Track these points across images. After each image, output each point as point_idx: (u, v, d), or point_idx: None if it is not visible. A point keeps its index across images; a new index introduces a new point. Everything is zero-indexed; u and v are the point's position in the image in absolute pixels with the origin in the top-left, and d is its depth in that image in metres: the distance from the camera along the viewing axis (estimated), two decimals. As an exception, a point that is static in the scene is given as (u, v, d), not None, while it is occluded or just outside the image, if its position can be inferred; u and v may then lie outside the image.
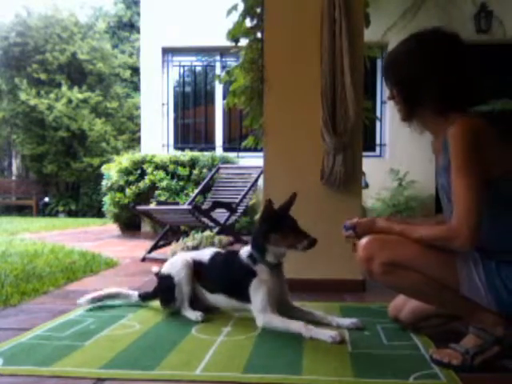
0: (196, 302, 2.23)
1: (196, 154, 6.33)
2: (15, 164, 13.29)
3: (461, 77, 1.63)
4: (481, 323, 1.58)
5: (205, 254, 2.29)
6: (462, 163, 1.50)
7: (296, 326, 1.93)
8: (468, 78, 1.64)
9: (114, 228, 6.76)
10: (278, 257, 2.08)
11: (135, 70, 12.27)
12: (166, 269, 2.29)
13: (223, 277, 2.20)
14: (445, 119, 1.63)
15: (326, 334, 1.85)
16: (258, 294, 2.03)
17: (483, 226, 1.47)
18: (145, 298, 2.39)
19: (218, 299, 2.21)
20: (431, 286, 1.59)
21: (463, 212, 1.47)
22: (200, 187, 5.21)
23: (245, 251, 2.14)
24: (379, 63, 6.51)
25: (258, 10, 3.10)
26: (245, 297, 2.08)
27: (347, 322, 2.04)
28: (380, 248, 1.62)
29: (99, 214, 9.91)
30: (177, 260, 2.30)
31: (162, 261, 3.31)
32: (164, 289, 2.27)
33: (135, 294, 2.41)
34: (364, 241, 1.66)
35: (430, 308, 1.83)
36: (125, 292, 2.44)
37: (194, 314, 2.14)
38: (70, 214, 11.56)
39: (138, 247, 4.83)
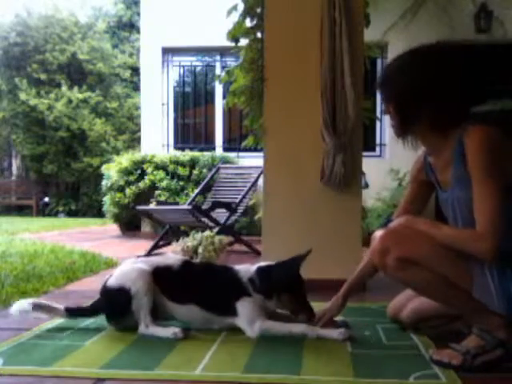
0: (157, 315, 1.97)
1: (196, 153, 6.33)
2: (15, 164, 13.29)
3: (458, 91, 1.61)
4: (485, 325, 1.57)
5: (170, 260, 2.07)
6: (484, 171, 1.49)
7: (299, 327, 1.90)
8: (465, 91, 1.62)
9: (114, 228, 6.76)
10: (274, 308, 1.98)
11: (135, 70, 12.27)
12: (116, 280, 1.97)
13: (202, 287, 2.01)
14: (445, 135, 1.61)
15: (334, 332, 1.86)
16: (248, 307, 1.93)
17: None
18: (73, 313, 2.04)
19: (189, 311, 1.98)
20: (443, 284, 1.58)
21: (488, 222, 1.46)
22: (200, 187, 5.21)
23: (246, 271, 1.99)
24: (379, 63, 6.51)
25: (258, 10, 3.10)
26: (227, 310, 1.95)
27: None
28: (396, 242, 1.59)
29: (99, 214, 9.91)
30: (131, 269, 1.99)
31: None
32: (114, 303, 1.95)
33: (61, 308, 2.00)
34: (380, 233, 1.64)
35: (431, 309, 1.82)
36: (50, 305, 2.00)
37: (168, 331, 1.89)
38: (70, 214, 11.56)
39: (138, 247, 4.83)
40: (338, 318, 2.09)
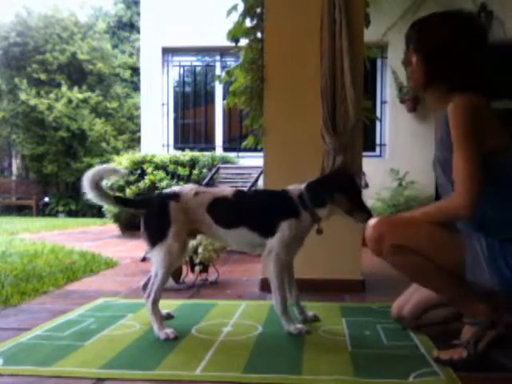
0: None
1: (196, 153, 6.33)
2: (15, 164, 13.29)
3: (485, 62, 1.70)
4: (472, 314, 1.63)
5: (225, 191, 2.10)
6: (462, 136, 1.56)
7: (282, 300, 1.97)
8: (489, 68, 1.71)
9: (113, 228, 6.76)
10: (327, 216, 2.00)
11: (135, 70, 12.29)
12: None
13: (253, 207, 2.04)
14: (450, 96, 1.66)
15: (292, 326, 1.95)
16: (288, 231, 1.94)
17: (487, 204, 1.55)
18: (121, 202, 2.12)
19: (236, 235, 2.02)
20: (436, 270, 1.63)
21: (464, 180, 1.53)
22: (200, 187, 5.20)
23: (295, 189, 2.02)
24: (379, 63, 6.50)
25: (258, 10, 3.10)
26: (269, 230, 1.96)
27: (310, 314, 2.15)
28: (389, 229, 1.65)
29: (99, 214, 9.91)
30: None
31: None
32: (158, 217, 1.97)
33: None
34: (373, 221, 1.69)
35: (433, 299, 1.86)
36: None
37: (161, 332, 1.90)
38: (70, 213, 11.56)
39: (138, 247, 4.83)
40: (311, 313, 2.17)
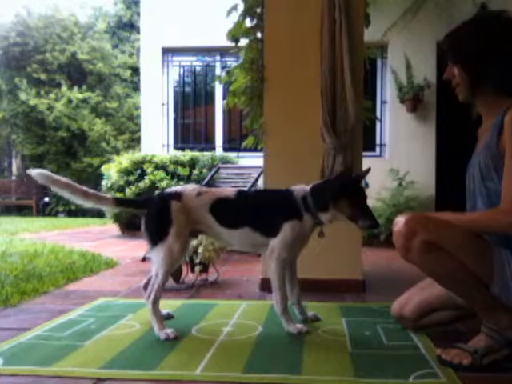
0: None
1: (196, 153, 6.33)
2: (15, 164, 13.29)
3: None
4: (496, 323, 1.58)
5: (227, 191, 2.10)
6: None
7: (281, 300, 1.97)
8: None
9: (114, 228, 6.76)
10: (329, 220, 1.97)
11: (135, 70, 12.29)
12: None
13: (255, 208, 2.03)
14: (500, 101, 1.64)
15: (292, 326, 1.95)
16: (290, 232, 1.94)
17: None
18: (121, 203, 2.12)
19: (238, 235, 2.02)
20: (464, 275, 1.56)
21: None
22: (200, 187, 5.19)
23: (299, 190, 2.00)
24: (379, 63, 6.50)
25: (258, 10, 3.10)
26: (272, 231, 1.96)
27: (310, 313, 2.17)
28: (423, 226, 1.56)
29: (99, 213, 9.92)
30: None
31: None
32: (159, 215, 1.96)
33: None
34: (406, 217, 1.59)
35: (433, 302, 1.84)
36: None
37: (161, 331, 1.89)
38: (70, 213, 11.56)
39: (138, 247, 4.83)
40: (311, 313, 2.17)
